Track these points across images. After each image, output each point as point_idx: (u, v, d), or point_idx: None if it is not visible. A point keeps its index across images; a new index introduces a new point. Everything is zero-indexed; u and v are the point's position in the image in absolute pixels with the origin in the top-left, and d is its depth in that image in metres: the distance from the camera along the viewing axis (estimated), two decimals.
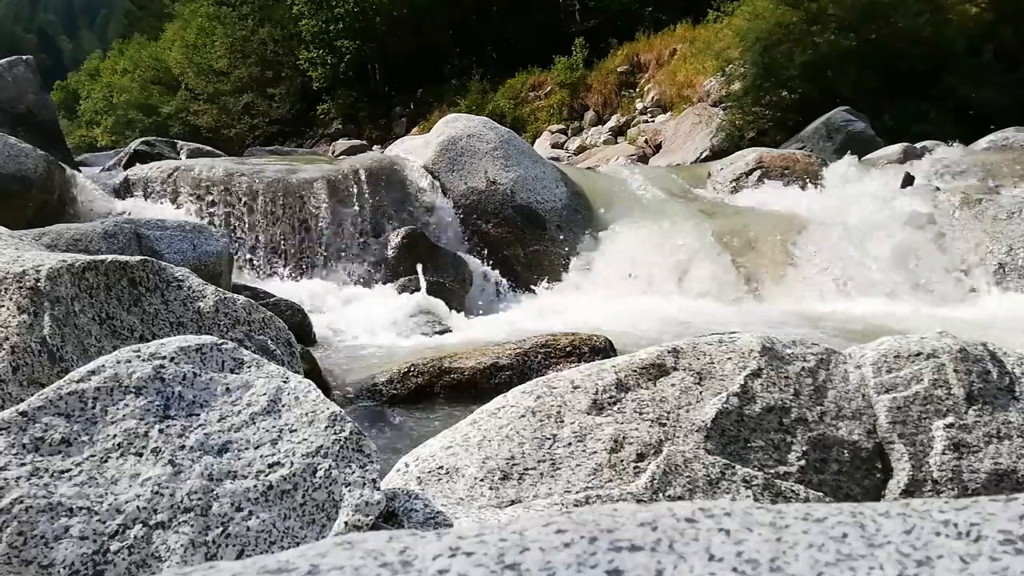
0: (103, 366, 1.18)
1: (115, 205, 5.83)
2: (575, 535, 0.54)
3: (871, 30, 11.53)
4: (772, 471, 1.41)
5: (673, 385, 1.52)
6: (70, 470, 1.06)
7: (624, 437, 1.42)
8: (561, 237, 6.48)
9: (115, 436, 1.11)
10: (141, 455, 1.09)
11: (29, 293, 1.71)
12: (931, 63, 11.19)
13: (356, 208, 6.15)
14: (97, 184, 6.11)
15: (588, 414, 1.47)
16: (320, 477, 1.12)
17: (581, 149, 16.71)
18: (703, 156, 12.24)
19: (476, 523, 1.23)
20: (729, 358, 1.55)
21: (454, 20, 22.70)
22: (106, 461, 1.08)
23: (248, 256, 5.87)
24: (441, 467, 1.44)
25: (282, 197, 6.03)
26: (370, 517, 1.11)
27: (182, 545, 1.02)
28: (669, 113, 16.30)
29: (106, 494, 1.04)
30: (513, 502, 1.34)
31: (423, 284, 5.29)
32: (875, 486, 1.44)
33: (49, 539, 1.00)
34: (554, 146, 17.42)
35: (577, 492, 1.35)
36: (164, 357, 1.21)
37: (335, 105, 24.51)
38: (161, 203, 5.99)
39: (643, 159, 13.70)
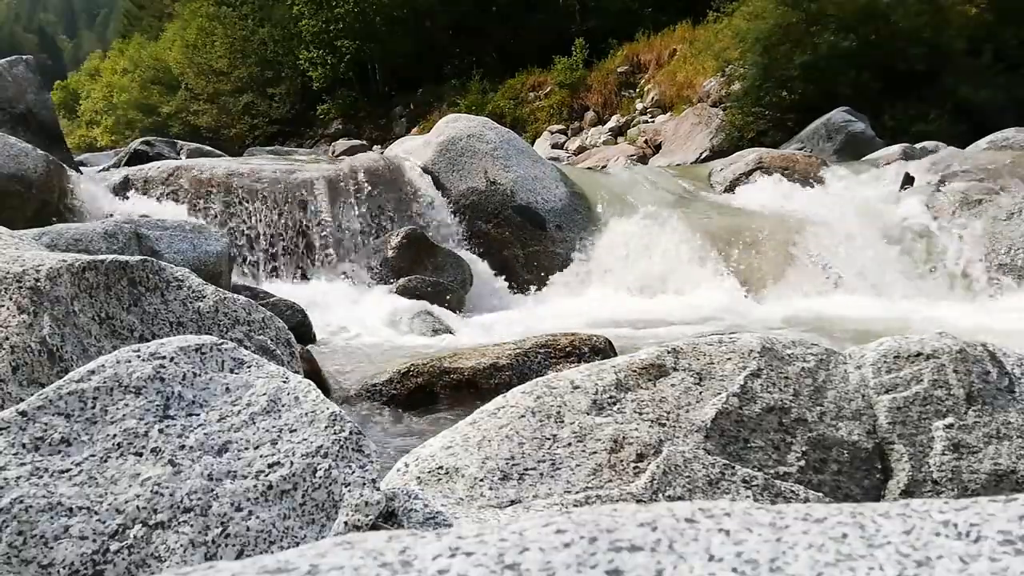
0: (103, 366, 1.18)
1: (115, 205, 5.83)
2: (575, 535, 0.54)
3: (871, 31, 11.53)
4: (772, 471, 1.41)
5: (673, 385, 1.52)
6: (70, 470, 1.06)
7: (624, 437, 1.42)
8: (561, 237, 6.48)
9: (115, 436, 1.11)
10: (141, 455, 1.09)
11: (29, 293, 1.71)
12: (931, 63, 11.19)
13: (356, 208, 6.15)
14: (97, 184, 6.11)
15: (588, 414, 1.47)
16: (320, 477, 1.12)
17: (581, 149, 16.71)
18: (703, 156, 12.25)
19: (476, 523, 1.23)
20: (729, 358, 1.55)
21: (454, 20, 22.70)
22: (106, 461, 1.08)
23: (248, 256, 5.87)
24: (441, 467, 1.44)
25: (282, 197, 6.03)
26: (370, 517, 1.11)
27: (182, 545, 1.02)
28: (669, 113, 16.30)
29: (106, 494, 1.04)
30: (513, 502, 1.34)
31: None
32: (875, 486, 1.44)
33: (49, 539, 1.00)
34: (554, 146, 17.42)
35: (577, 492, 1.35)
36: (164, 357, 1.21)
37: (335, 105, 24.50)
38: (161, 203, 5.99)
39: (643, 159, 13.70)
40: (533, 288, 6.17)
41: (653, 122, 16.26)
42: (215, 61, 26.61)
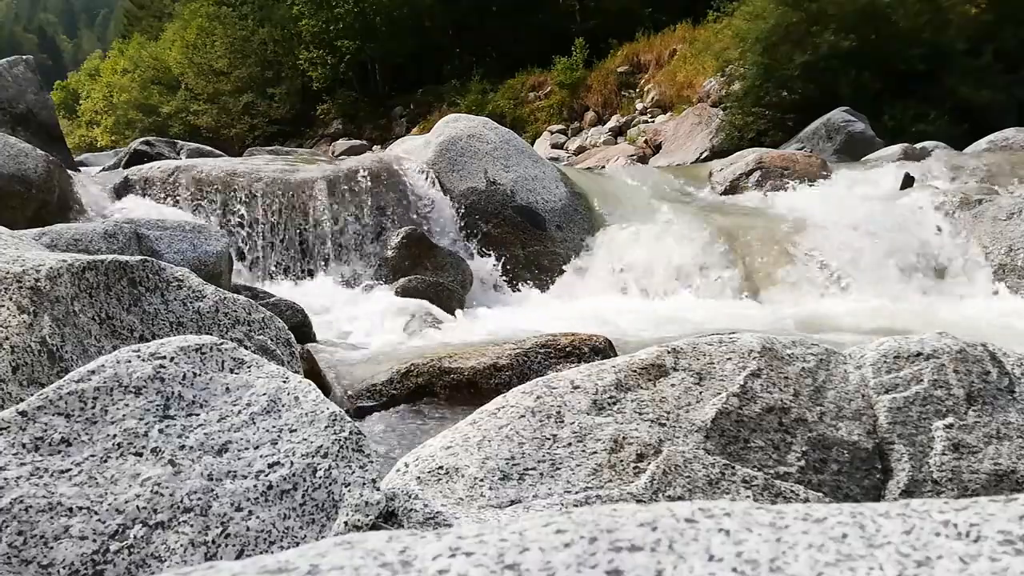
0: (103, 366, 1.18)
1: (115, 205, 5.83)
2: (575, 535, 0.54)
3: (871, 30, 11.53)
4: (772, 471, 1.41)
5: (673, 385, 1.52)
6: (70, 470, 1.06)
7: (624, 437, 1.42)
8: (561, 237, 6.48)
9: (115, 436, 1.11)
10: (141, 455, 1.09)
11: (29, 293, 1.71)
12: (931, 63, 11.20)
13: (356, 208, 6.15)
14: (97, 184, 6.11)
15: (588, 414, 1.47)
16: (320, 477, 1.12)
17: (581, 149, 16.72)
18: (703, 156, 12.25)
19: (476, 523, 1.23)
20: (729, 358, 1.55)
21: (454, 20, 22.71)
22: (106, 461, 1.08)
23: (248, 256, 5.87)
24: (441, 467, 1.44)
25: (282, 197, 6.03)
26: (370, 517, 1.11)
27: (182, 545, 1.02)
28: (669, 113, 16.32)
29: (106, 494, 1.04)
30: (513, 502, 1.34)
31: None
32: (875, 486, 1.44)
33: (49, 539, 1.00)
34: (554, 146, 17.44)
35: (577, 492, 1.35)
36: (164, 357, 1.21)
37: (335, 105, 24.52)
38: (161, 203, 5.99)
39: (643, 159, 13.71)
40: (533, 288, 6.17)
41: (653, 122, 16.27)
42: (215, 61, 26.60)
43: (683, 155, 12.89)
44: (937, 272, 5.71)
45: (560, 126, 18.90)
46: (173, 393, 1.17)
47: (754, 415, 1.46)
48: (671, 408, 1.48)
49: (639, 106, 17.55)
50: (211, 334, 1.91)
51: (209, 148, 9.36)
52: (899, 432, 1.47)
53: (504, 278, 6.18)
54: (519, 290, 6.16)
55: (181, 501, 1.05)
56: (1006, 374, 1.54)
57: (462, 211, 6.46)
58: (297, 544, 1.07)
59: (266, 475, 1.11)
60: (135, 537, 1.02)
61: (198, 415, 1.16)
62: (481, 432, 1.48)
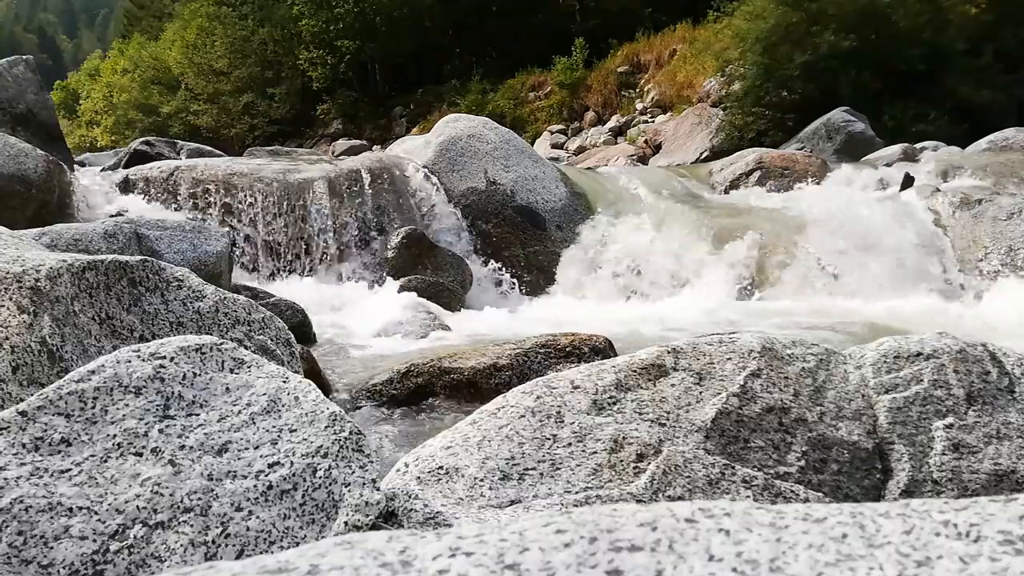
0: (103, 366, 1.18)
1: (115, 205, 5.84)
2: (575, 535, 0.54)
3: (871, 30, 11.53)
4: (772, 471, 1.41)
5: (673, 385, 1.52)
6: (70, 470, 1.06)
7: (624, 437, 1.42)
8: (561, 237, 6.48)
9: (115, 436, 1.11)
10: (141, 455, 1.09)
11: (29, 293, 1.71)
12: (931, 63, 11.20)
13: (356, 208, 6.15)
14: (97, 184, 6.11)
15: (588, 414, 1.47)
16: (320, 477, 1.12)
17: (581, 149, 16.71)
18: (703, 156, 12.25)
19: (476, 523, 1.23)
20: (729, 358, 1.55)
21: (454, 20, 22.72)
22: (106, 461, 1.08)
23: (248, 256, 5.87)
24: (441, 467, 1.44)
25: (282, 197, 6.03)
26: (370, 517, 1.11)
27: (182, 545, 1.02)
28: (669, 113, 16.31)
29: (106, 494, 1.04)
30: (513, 502, 1.34)
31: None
32: (875, 486, 1.44)
33: (49, 539, 1.00)
34: (554, 146, 17.43)
35: (577, 492, 1.35)
36: (164, 357, 1.21)
37: (335, 105, 24.52)
38: (161, 203, 5.99)
39: (643, 159, 13.71)
40: (533, 288, 6.17)
41: (653, 122, 16.26)
42: (215, 61, 26.60)
43: (683, 155, 12.89)
44: (937, 272, 5.71)
45: (560, 126, 18.90)
46: (173, 393, 1.17)
47: (754, 415, 1.46)
48: (671, 408, 1.48)
49: (639, 106, 17.55)
50: (211, 334, 1.91)
51: (209, 148, 9.35)
52: (899, 432, 1.47)
53: (504, 278, 6.18)
54: (519, 290, 6.16)
55: (181, 501, 1.05)
56: (1006, 374, 1.54)
57: (462, 211, 6.47)
58: (297, 544, 1.07)
59: (266, 475, 1.11)
60: (135, 537, 1.02)
61: (198, 415, 1.16)
62: (481, 432, 1.48)
